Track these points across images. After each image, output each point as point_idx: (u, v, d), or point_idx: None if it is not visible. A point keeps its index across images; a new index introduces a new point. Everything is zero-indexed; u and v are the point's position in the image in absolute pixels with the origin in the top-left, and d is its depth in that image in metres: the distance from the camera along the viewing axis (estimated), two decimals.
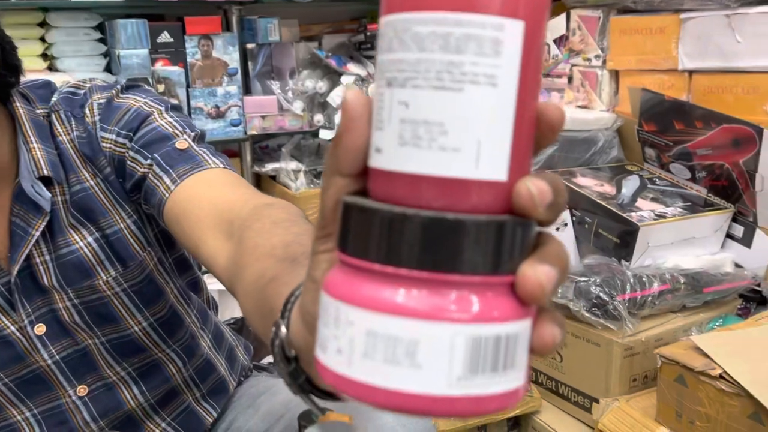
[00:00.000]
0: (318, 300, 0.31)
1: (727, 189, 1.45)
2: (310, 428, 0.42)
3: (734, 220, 1.46)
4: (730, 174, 1.43)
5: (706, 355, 1.14)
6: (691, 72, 1.52)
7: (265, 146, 1.98)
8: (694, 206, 1.47)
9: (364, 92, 0.32)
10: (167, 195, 0.67)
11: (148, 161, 0.69)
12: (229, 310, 1.56)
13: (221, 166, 0.70)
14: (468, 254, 0.26)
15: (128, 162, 0.71)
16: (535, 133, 0.30)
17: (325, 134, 1.78)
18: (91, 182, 0.72)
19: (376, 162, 0.29)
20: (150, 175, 0.69)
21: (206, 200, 0.65)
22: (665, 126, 1.51)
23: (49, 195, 0.70)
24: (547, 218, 0.29)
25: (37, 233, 0.70)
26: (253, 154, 1.91)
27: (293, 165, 1.78)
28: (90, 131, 0.71)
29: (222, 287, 1.17)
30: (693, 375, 1.14)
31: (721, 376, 1.10)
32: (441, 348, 0.26)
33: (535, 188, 0.27)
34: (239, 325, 1.42)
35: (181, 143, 0.70)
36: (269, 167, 1.85)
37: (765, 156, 1.34)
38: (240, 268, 0.54)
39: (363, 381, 0.27)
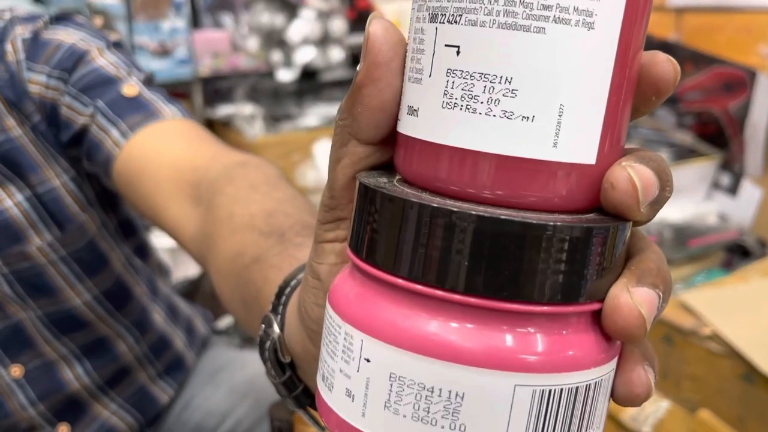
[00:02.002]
0: (321, 303, 0.25)
1: (715, 136, 1.39)
2: None
3: (721, 168, 1.41)
4: (718, 120, 1.36)
5: (694, 314, 1.10)
6: (680, 10, 1.43)
7: (216, 88, 1.83)
8: (680, 154, 1.40)
9: (395, 27, 0.22)
10: (116, 151, 0.57)
11: (90, 109, 0.59)
12: (182, 270, 1.44)
13: (179, 115, 0.60)
14: (537, 273, 0.19)
15: (63, 109, 0.60)
16: (635, 95, 0.21)
17: (284, 75, 1.64)
18: (17, 132, 0.60)
19: (410, 128, 0.21)
20: (93, 127, 0.59)
21: (165, 158, 0.55)
22: None
23: None
24: (647, 218, 0.21)
25: None
26: (204, 97, 1.75)
27: (249, 109, 1.65)
28: (12, 72, 0.59)
29: (172, 247, 1.04)
30: (681, 335, 1.09)
31: (710, 337, 1.05)
32: (495, 406, 0.19)
33: (639, 177, 0.20)
34: (193, 288, 1.31)
35: (129, 88, 0.60)
36: (222, 112, 1.71)
37: (757, 101, 1.27)
38: (212, 241, 0.45)
39: None
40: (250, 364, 0.79)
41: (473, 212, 0.19)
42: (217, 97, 1.79)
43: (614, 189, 0.20)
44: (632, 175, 0.20)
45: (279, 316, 0.32)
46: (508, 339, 0.19)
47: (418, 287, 0.19)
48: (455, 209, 0.19)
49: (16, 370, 0.65)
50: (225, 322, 1.34)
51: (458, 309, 0.19)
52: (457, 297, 0.19)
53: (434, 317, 0.20)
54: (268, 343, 0.32)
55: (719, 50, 1.33)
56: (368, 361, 0.20)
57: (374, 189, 0.21)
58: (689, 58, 1.35)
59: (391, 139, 0.23)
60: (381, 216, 0.20)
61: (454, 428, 0.19)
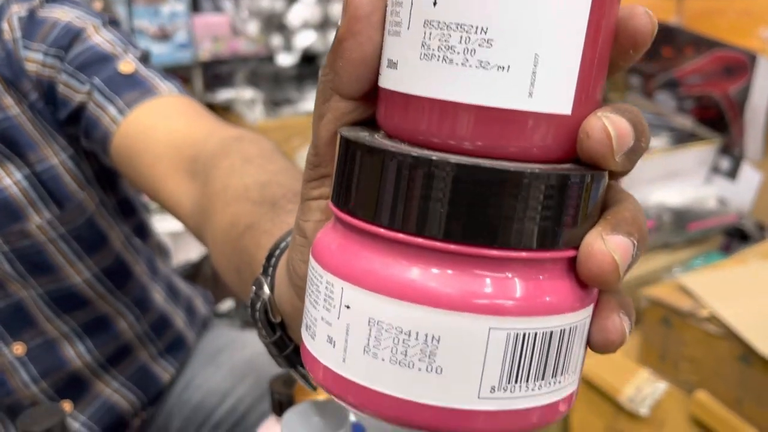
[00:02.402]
0: (308, 260, 0.25)
1: (715, 120, 1.38)
2: (289, 413, 0.34)
3: (721, 152, 1.41)
4: (718, 104, 1.36)
5: (693, 297, 1.10)
6: None
7: (216, 73, 1.83)
8: (680, 138, 1.40)
9: None
10: (114, 128, 0.57)
11: (86, 87, 0.59)
12: (184, 253, 1.45)
13: (176, 91, 0.60)
14: (514, 220, 0.19)
15: (60, 87, 0.60)
16: (611, 48, 0.21)
17: (284, 59, 1.64)
18: (15, 110, 0.60)
19: (390, 81, 0.22)
20: (90, 104, 0.59)
21: (162, 133, 0.56)
22: (652, 52, 1.42)
23: None
24: (623, 168, 0.21)
25: None
26: (204, 82, 1.75)
27: (249, 93, 1.64)
28: (9, 50, 0.59)
29: (174, 230, 1.05)
30: (679, 317, 1.10)
31: (708, 318, 1.06)
32: (471, 348, 0.20)
33: (613, 127, 0.20)
34: (194, 271, 1.32)
35: (126, 65, 0.60)
36: (222, 96, 1.71)
37: (757, 84, 1.27)
38: (208, 214, 0.46)
39: (361, 384, 0.21)
40: (251, 344, 0.80)
41: (451, 161, 0.19)
42: (217, 82, 1.79)
43: (589, 138, 0.20)
44: (607, 124, 0.20)
45: (269, 278, 0.33)
46: (484, 283, 0.20)
47: (398, 235, 0.20)
48: (434, 158, 0.19)
49: (18, 348, 0.66)
50: (226, 305, 1.35)
51: (436, 255, 0.20)
52: (435, 244, 0.20)
53: (412, 264, 0.20)
54: (258, 304, 0.33)
55: (720, 34, 1.33)
56: (348, 307, 0.21)
57: (354, 142, 0.21)
58: (690, 41, 1.35)
59: (373, 94, 0.23)
60: (361, 168, 0.21)
61: (431, 370, 0.20)
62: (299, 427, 0.33)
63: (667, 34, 1.38)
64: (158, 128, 0.56)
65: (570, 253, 0.21)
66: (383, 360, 0.20)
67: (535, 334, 0.20)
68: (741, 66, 1.28)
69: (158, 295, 0.76)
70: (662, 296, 1.13)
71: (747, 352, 1.01)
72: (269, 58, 1.73)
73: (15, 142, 0.61)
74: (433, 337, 0.20)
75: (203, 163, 0.50)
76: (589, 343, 0.23)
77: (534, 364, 0.20)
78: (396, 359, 0.20)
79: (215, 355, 0.80)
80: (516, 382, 0.20)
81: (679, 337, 1.11)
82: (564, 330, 0.21)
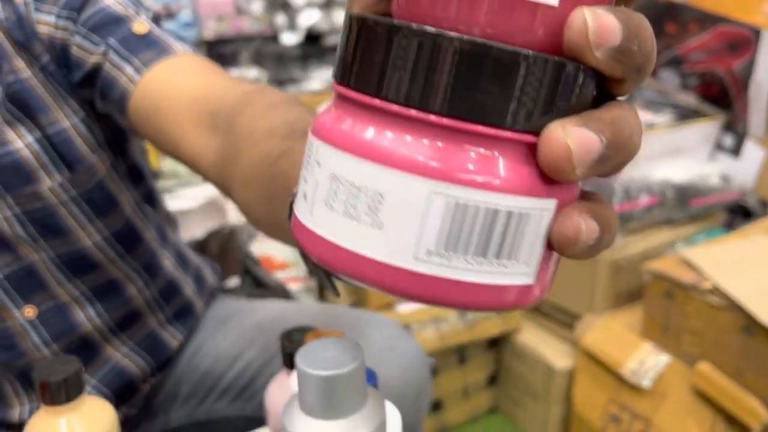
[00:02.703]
0: None
1: (719, 97, 1.38)
2: (304, 348, 0.35)
3: (724, 129, 1.41)
4: (722, 81, 1.36)
5: (695, 270, 1.11)
6: None
7: (221, 53, 1.83)
8: (684, 115, 1.40)
9: None
10: (131, 87, 0.58)
11: (101, 48, 0.59)
12: (189, 231, 1.46)
13: (190, 51, 0.60)
14: (479, 93, 0.20)
15: (73, 49, 0.60)
16: None
17: (288, 38, 1.64)
18: (27, 73, 0.61)
19: None
20: (106, 65, 0.59)
21: (181, 91, 0.56)
22: (656, 29, 1.41)
23: None
24: (610, 69, 0.21)
25: None
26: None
27: (254, 73, 1.65)
28: (20, 13, 0.59)
29: (180, 208, 1.06)
30: (682, 290, 1.11)
31: (711, 291, 1.07)
32: (410, 207, 0.20)
33: (593, 20, 0.20)
34: (200, 248, 1.33)
35: (139, 26, 0.60)
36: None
37: (761, 60, 1.27)
38: (234, 158, 0.47)
39: (320, 234, 0.23)
40: (260, 311, 0.81)
41: (412, 27, 0.20)
42: (221, 61, 1.79)
43: (569, 29, 0.20)
44: (587, 16, 0.20)
45: None
46: (433, 149, 0.20)
47: (363, 97, 0.21)
48: (393, 25, 0.21)
49: (30, 311, 0.66)
50: (232, 282, 1.36)
51: (393, 119, 0.21)
52: (393, 107, 0.21)
53: (371, 124, 0.21)
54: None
55: (724, 10, 1.32)
56: (318, 164, 0.23)
57: (351, 16, 0.23)
58: (694, 17, 1.34)
59: None
60: (353, 39, 0.22)
61: (374, 225, 0.21)
62: (314, 360, 0.34)
63: (671, 11, 1.38)
64: (176, 85, 0.57)
65: (531, 138, 0.21)
66: (337, 212, 0.22)
67: (477, 207, 0.20)
68: (745, 42, 1.28)
69: (167, 262, 0.76)
70: (665, 270, 1.13)
71: (749, 324, 1.02)
72: (273, 37, 1.74)
73: (26, 104, 0.61)
74: (378, 193, 0.21)
75: (225, 116, 0.51)
76: (551, 241, 0.22)
77: (474, 237, 0.20)
78: (347, 212, 0.21)
79: (224, 322, 0.81)
80: (454, 251, 0.21)
81: (682, 309, 1.12)
82: (512, 212, 0.21)
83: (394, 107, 0.20)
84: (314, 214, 0.23)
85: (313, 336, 0.49)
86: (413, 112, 0.20)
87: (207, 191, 1.57)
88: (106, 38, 0.59)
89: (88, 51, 0.60)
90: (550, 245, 0.22)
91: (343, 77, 0.22)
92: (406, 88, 0.20)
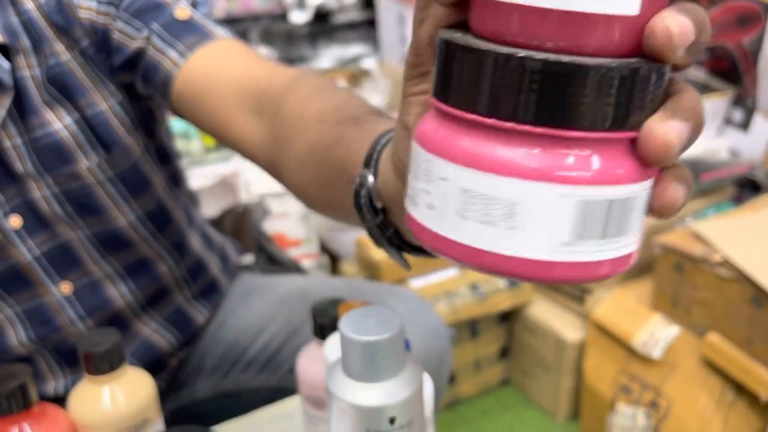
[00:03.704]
0: (411, 148, 0.29)
1: (728, 72, 1.39)
2: (347, 315, 0.37)
3: (733, 104, 1.41)
4: (731, 55, 1.36)
5: (705, 243, 1.12)
6: None
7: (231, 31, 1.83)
8: None
9: None
10: (176, 71, 0.59)
11: (144, 33, 0.60)
12: (203, 210, 1.47)
13: (230, 36, 0.62)
14: (585, 105, 0.23)
15: (115, 34, 0.61)
16: None
17: (297, 17, 1.64)
18: (66, 56, 0.62)
19: None
20: (149, 49, 0.60)
21: (225, 75, 0.57)
22: None
23: (9, 65, 0.59)
24: (684, 62, 0.25)
25: (2, 111, 0.60)
26: None
27: (263, 51, 1.65)
28: None
29: (195, 188, 1.08)
30: (692, 262, 1.13)
31: (720, 263, 1.08)
32: (543, 212, 0.24)
33: (676, 26, 0.23)
34: (215, 225, 1.35)
35: (181, 11, 0.61)
36: None
37: None
38: (284, 142, 0.49)
39: (455, 239, 0.25)
40: (281, 285, 0.83)
41: (532, 56, 0.23)
42: None
43: (653, 35, 0.23)
44: (669, 23, 0.23)
45: (372, 169, 0.37)
46: (555, 157, 0.23)
47: (487, 120, 0.24)
48: (517, 54, 0.23)
49: (66, 287, 0.68)
50: (247, 259, 1.39)
51: (518, 135, 0.24)
52: (518, 126, 0.24)
53: (496, 143, 0.24)
54: (363, 191, 0.37)
55: None
56: (444, 179, 0.25)
57: (451, 40, 0.25)
58: None
59: (467, 2, 0.27)
60: (455, 62, 0.25)
61: (510, 228, 0.24)
62: (357, 327, 0.36)
63: None
64: (221, 69, 0.58)
65: (633, 134, 0.24)
66: (472, 221, 0.25)
67: (599, 201, 0.24)
68: (754, 16, 1.29)
69: (195, 241, 0.78)
70: (675, 243, 1.15)
71: (758, 295, 1.04)
72: (282, 15, 1.74)
73: (66, 87, 0.62)
74: (513, 203, 0.24)
75: (270, 99, 0.53)
76: (652, 209, 0.26)
77: (596, 225, 0.24)
78: (482, 220, 0.24)
79: (246, 297, 0.83)
80: (580, 239, 0.24)
81: (692, 281, 1.14)
82: (624, 199, 0.24)
83: (521, 126, 0.23)
84: (447, 222, 0.25)
85: (345, 307, 0.51)
86: (542, 129, 0.23)
87: (219, 170, 1.58)
88: (149, 23, 0.60)
89: (130, 36, 0.61)
90: (649, 211, 0.26)
91: (457, 101, 0.25)
92: (533, 109, 0.23)
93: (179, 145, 1.65)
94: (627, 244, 0.25)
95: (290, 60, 1.69)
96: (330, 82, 0.52)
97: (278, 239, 1.55)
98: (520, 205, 0.24)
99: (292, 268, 1.27)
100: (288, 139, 0.48)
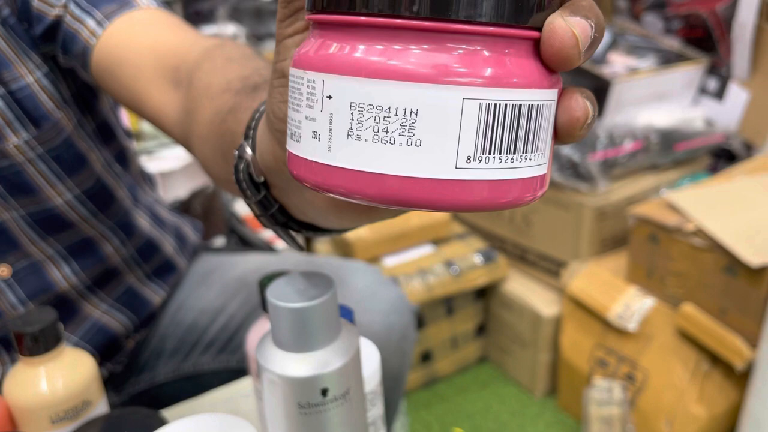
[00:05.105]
0: (287, 99, 0.26)
1: (702, 40, 1.37)
2: (275, 282, 0.34)
3: (708, 73, 1.40)
4: (705, 23, 1.34)
5: (679, 213, 1.11)
6: None
7: (197, 10, 1.79)
8: (667, 59, 1.39)
9: None
10: (93, 41, 0.56)
11: (62, 1, 0.57)
12: (173, 191, 1.44)
13: (154, 5, 0.59)
14: None
15: (35, 2, 0.58)
16: None
17: None
18: None
19: None
20: (67, 18, 0.57)
21: (144, 45, 0.54)
22: None
23: None
24: None
25: None
26: (185, 19, 1.71)
27: (231, 29, 1.61)
28: None
29: (162, 169, 1.05)
30: (666, 233, 1.11)
31: (694, 233, 1.07)
32: (446, 119, 0.21)
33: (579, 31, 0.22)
34: (184, 208, 1.32)
35: None
36: (204, 32, 1.67)
37: (744, 0, 1.25)
38: (192, 114, 0.46)
39: (348, 167, 0.22)
40: (241, 264, 0.80)
41: None
42: (198, 19, 1.75)
43: (558, 42, 0.22)
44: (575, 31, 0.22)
45: (250, 140, 0.34)
46: (456, 56, 0.21)
47: (371, 19, 0.21)
48: None
49: (4, 270, 0.65)
50: (219, 241, 1.36)
51: (410, 34, 0.21)
52: (410, 22, 0.20)
53: (389, 44, 0.21)
54: (242, 166, 0.33)
55: None
56: (330, 97, 0.22)
57: None
58: None
59: None
60: None
61: (410, 144, 0.21)
62: (284, 293, 0.34)
63: None
64: (139, 39, 0.55)
65: (535, 33, 0.22)
66: (366, 140, 0.21)
67: (505, 106, 0.21)
68: None
69: (143, 221, 0.75)
70: (649, 213, 1.13)
71: (732, 263, 1.03)
72: None
73: None
74: (411, 111, 0.21)
75: (186, 71, 0.50)
76: (557, 127, 0.24)
77: (506, 135, 0.21)
78: (378, 137, 0.21)
79: (205, 276, 0.80)
80: (490, 152, 0.21)
81: (666, 252, 1.12)
82: (531, 105, 0.22)
83: (413, 22, 0.20)
84: (335, 149, 0.22)
85: None
86: (436, 24, 0.20)
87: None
88: None
89: (48, 4, 0.58)
90: (554, 133, 0.24)
91: (334, 4, 0.22)
92: (423, 1, 0.20)
93: (147, 127, 1.61)
94: (538, 164, 0.23)
95: (259, 37, 1.65)
96: (248, 52, 0.49)
97: (250, 220, 1.52)
98: (416, 113, 0.21)
99: (265, 249, 1.24)
100: (194, 112, 0.45)
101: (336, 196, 0.23)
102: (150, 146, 1.57)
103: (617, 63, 1.35)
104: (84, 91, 0.67)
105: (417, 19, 0.20)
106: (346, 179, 0.22)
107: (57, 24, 0.58)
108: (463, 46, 0.21)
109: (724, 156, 1.39)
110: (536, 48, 0.22)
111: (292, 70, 0.24)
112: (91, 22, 0.56)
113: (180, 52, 0.52)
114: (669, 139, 1.30)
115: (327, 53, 0.22)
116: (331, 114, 0.22)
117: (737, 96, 1.35)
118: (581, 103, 0.24)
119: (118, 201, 0.71)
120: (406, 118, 0.21)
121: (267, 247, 1.33)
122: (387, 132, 0.21)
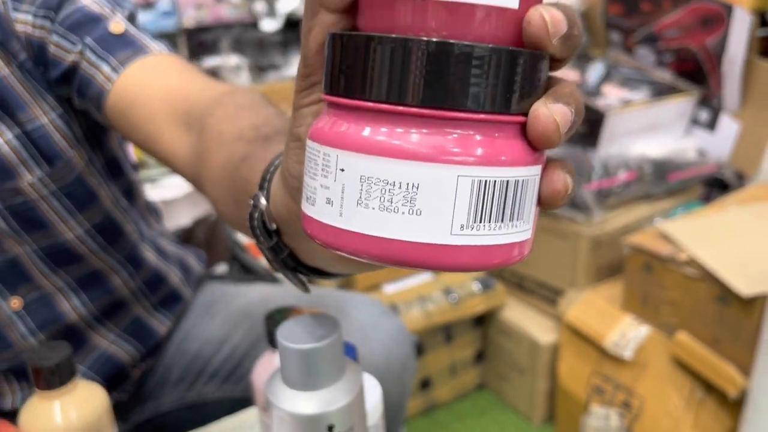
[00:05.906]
0: (302, 160, 0.28)
1: (694, 73, 1.40)
2: (285, 324, 0.36)
3: (699, 104, 1.43)
4: (696, 56, 1.38)
5: (672, 242, 1.13)
6: None
7: (201, 41, 1.83)
8: (660, 91, 1.43)
9: None
10: (109, 86, 0.59)
11: (78, 47, 0.60)
12: (175, 219, 1.46)
13: (165, 50, 0.62)
14: (475, 87, 0.24)
15: (51, 48, 0.61)
16: None
17: (268, 25, 1.64)
18: (5, 71, 0.61)
19: None
20: (83, 64, 0.60)
21: (157, 89, 0.57)
22: (631, 7, 1.44)
23: None
24: (560, 53, 0.26)
25: None
26: (189, 50, 1.75)
27: (234, 60, 1.65)
28: None
29: (165, 198, 1.08)
30: (659, 262, 1.13)
31: (687, 262, 1.09)
32: (443, 192, 0.24)
33: (548, 16, 0.25)
34: (187, 236, 1.34)
35: (116, 25, 0.61)
36: (208, 63, 1.71)
37: (734, 34, 1.29)
38: (204, 158, 0.48)
39: (356, 231, 0.25)
40: (245, 295, 0.82)
41: (423, 40, 0.23)
42: (202, 50, 1.79)
43: (529, 24, 0.25)
44: (543, 13, 0.24)
45: (265, 191, 0.36)
46: (452, 140, 0.24)
47: (381, 106, 0.24)
48: (408, 39, 0.24)
49: (16, 303, 0.67)
50: (220, 269, 1.38)
51: (413, 119, 0.24)
52: (413, 110, 0.24)
53: (392, 127, 0.24)
54: (256, 214, 0.36)
55: None
56: (343, 170, 0.25)
57: (339, 34, 0.25)
58: None
59: (354, 8, 0.27)
60: (345, 52, 0.25)
61: (412, 213, 0.24)
62: (293, 335, 0.36)
63: None
64: (152, 84, 0.58)
65: (521, 118, 0.25)
66: (373, 209, 0.24)
67: (495, 182, 0.24)
68: (717, 17, 1.30)
69: (149, 254, 0.77)
70: (643, 243, 1.16)
71: (724, 293, 1.05)
72: (253, 24, 1.74)
73: (5, 102, 0.62)
74: (413, 185, 0.24)
75: (198, 115, 0.52)
76: (540, 198, 0.27)
77: (495, 206, 0.25)
78: (384, 206, 0.24)
79: (210, 307, 0.82)
80: (481, 221, 0.24)
81: (660, 281, 1.15)
82: (518, 180, 0.25)
83: (415, 110, 0.24)
84: (346, 214, 0.25)
85: (296, 314, 0.51)
86: (435, 112, 0.23)
87: None
88: (83, 37, 0.60)
89: (65, 50, 0.60)
90: (538, 202, 0.27)
91: (347, 90, 0.25)
92: (425, 92, 0.23)
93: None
94: (522, 230, 0.26)
95: (261, 68, 1.69)
96: (258, 100, 0.52)
97: (253, 248, 1.54)
98: (418, 187, 0.24)
99: (266, 277, 1.26)
100: (207, 156, 0.48)
101: (345, 254, 0.26)
102: (153, 174, 1.59)
103: (611, 95, 1.38)
104: (94, 128, 0.69)
105: (417, 107, 0.24)
106: (354, 241, 0.25)
107: (73, 69, 0.61)
108: (458, 131, 0.24)
109: (716, 185, 1.42)
110: (522, 130, 0.25)
111: (309, 142, 0.27)
112: (106, 68, 0.59)
113: (191, 97, 0.55)
114: (662, 169, 1.33)
115: (340, 131, 0.25)
116: (343, 184, 0.25)
117: (728, 127, 1.38)
118: (562, 177, 0.26)
119: (126, 235, 0.74)
120: (408, 191, 0.24)
121: (268, 275, 1.35)
122: (392, 202, 0.24)
